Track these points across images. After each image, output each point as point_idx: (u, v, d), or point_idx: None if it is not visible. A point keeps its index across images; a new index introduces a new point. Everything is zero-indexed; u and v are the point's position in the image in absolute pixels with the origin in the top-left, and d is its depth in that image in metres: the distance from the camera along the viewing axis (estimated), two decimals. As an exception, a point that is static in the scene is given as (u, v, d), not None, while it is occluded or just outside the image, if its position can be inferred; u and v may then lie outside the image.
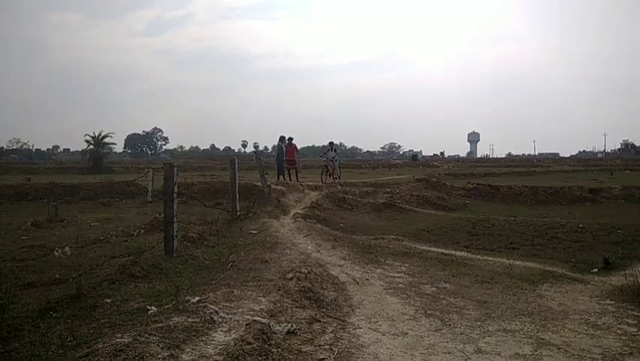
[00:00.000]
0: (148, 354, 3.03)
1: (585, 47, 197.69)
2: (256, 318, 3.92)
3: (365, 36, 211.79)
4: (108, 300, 4.84)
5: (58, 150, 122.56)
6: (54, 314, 4.43)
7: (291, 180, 19.73)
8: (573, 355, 3.82)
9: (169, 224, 7.04)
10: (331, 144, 23.25)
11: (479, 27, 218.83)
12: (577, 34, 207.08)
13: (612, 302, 5.40)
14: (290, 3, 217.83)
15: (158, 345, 3.18)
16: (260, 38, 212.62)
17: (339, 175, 22.12)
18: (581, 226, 13.42)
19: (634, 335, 4.28)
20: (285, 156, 20.66)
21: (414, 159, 77.57)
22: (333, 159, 22.09)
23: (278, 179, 19.28)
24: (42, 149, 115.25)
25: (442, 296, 5.49)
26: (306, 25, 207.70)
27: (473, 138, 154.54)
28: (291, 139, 21.10)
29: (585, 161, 70.08)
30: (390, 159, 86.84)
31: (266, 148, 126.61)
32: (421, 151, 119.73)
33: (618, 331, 4.41)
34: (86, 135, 46.81)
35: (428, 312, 4.85)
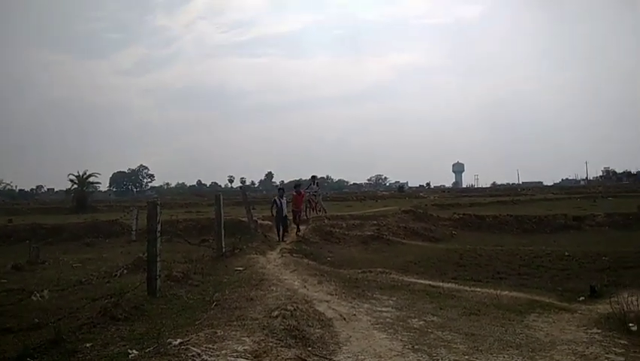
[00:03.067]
0: (127, 401, 2.94)
1: (567, 75, 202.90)
2: (239, 360, 3.83)
3: (350, 70, 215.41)
4: (88, 345, 4.71)
5: (42, 190, 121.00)
6: (31, 361, 4.30)
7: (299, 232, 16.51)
8: (562, 387, 3.78)
9: (152, 263, 6.94)
10: (314, 177, 22.77)
11: (463, 58, 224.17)
12: (560, 64, 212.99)
13: (599, 331, 5.40)
14: (276, 41, 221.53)
15: (137, 391, 3.09)
16: (246, 75, 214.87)
17: (322, 208, 21.76)
18: (566, 253, 13.52)
19: (621, 365, 4.26)
20: (287, 208, 16.35)
21: (400, 190, 77.94)
22: (315, 193, 21.62)
23: (279, 238, 15.31)
24: (25, 189, 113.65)
25: (429, 330, 5.43)
26: (292, 61, 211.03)
27: (458, 169, 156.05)
28: (298, 186, 18.27)
29: (568, 189, 71.00)
30: (377, 191, 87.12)
31: (252, 183, 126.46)
32: (407, 182, 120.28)
33: (606, 360, 4.38)
34: (69, 175, 46.41)
35: (416, 347, 4.79)
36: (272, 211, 16.22)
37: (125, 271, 9.86)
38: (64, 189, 54.74)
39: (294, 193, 17.36)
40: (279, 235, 15.53)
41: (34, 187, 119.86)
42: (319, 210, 21.33)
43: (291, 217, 17.12)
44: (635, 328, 5.24)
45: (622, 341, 4.94)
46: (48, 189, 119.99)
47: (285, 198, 16.04)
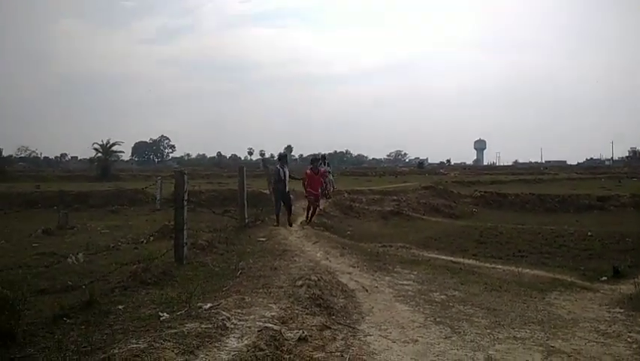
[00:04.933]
0: (163, 359, 3.08)
1: (594, 54, 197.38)
2: (268, 325, 3.96)
3: (372, 44, 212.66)
4: (120, 306, 4.90)
5: (66, 158, 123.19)
6: (68, 321, 4.49)
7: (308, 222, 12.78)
8: (584, 363, 3.83)
9: (179, 232, 7.11)
10: (324, 157, 19.98)
11: (487, 34, 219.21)
12: (587, 42, 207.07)
13: (622, 310, 5.40)
14: (297, 11, 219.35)
15: (172, 351, 3.23)
16: (266, 46, 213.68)
17: (333, 188, 19.79)
18: (589, 234, 13.39)
19: (644, 343, 4.28)
20: (306, 184, 13.07)
21: (420, 166, 77.45)
22: (325, 174, 18.26)
23: (277, 222, 12.10)
24: (50, 157, 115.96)
25: (451, 304, 5.50)
26: (313, 33, 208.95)
27: (480, 146, 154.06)
28: (316, 160, 14.05)
29: (593, 169, 69.68)
30: (397, 167, 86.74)
31: (272, 155, 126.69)
32: (427, 159, 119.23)
33: (628, 339, 4.41)
34: (94, 144, 47.15)
35: (438, 320, 4.87)
36: (269, 184, 13.39)
37: (152, 238, 10.11)
38: (88, 157, 55.79)
39: (309, 171, 13.17)
40: (277, 217, 12.23)
41: (59, 155, 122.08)
42: (329, 193, 18.50)
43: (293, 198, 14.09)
44: (658, 308, 5.23)
45: (645, 321, 4.94)
46: (72, 157, 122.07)
47: (287, 168, 12.67)
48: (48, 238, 11.28)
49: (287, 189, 12.48)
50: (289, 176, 12.68)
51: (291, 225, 11.97)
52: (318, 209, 13.60)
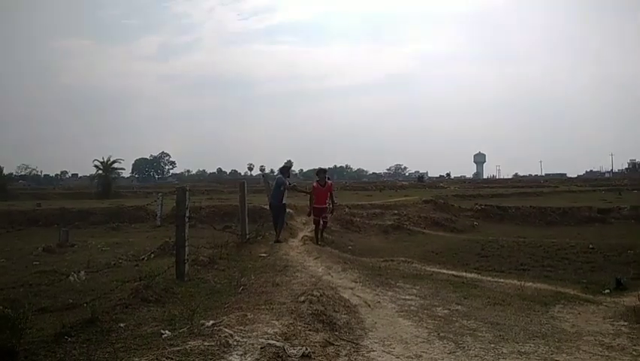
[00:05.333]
0: (166, 378, 3.06)
1: (594, 67, 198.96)
2: (270, 341, 3.94)
3: (371, 58, 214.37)
4: (122, 324, 4.87)
5: (67, 176, 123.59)
6: (69, 339, 4.46)
7: (319, 244, 11.88)
8: (589, 377, 3.80)
9: (180, 248, 7.10)
10: (324, 171, 19.08)
11: (485, 46, 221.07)
12: (586, 55, 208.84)
13: (626, 323, 5.37)
14: (295, 27, 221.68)
15: (175, 369, 3.21)
16: (265, 63, 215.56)
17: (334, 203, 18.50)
18: (591, 246, 13.34)
19: (650, 357, 4.26)
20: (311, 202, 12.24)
21: (420, 180, 77.57)
22: None
23: (278, 238, 11.63)
24: (50, 174, 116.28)
25: (454, 318, 5.48)
26: (311, 48, 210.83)
27: (479, 159, 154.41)
28: (322, 172, 12.67)
29: (593, 181, 69.73)
30: (397, 181, 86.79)
31: (272, 171, 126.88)
32: (427, 172, 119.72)
33: (633, 352, 4.39)
34: (94, 161, 47.34)
35: (441, 334, 4.84)
36: (269, 195, 12.48)
37: (153, 255, 10.09)
38: (89, 174, 55.95)
39: (315, 184, 12.37)
40: (277, 232, 11.79)
41: (59, 173, 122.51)
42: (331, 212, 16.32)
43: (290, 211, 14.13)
44: (662, 321, 5.20)
45: (649, 334, 4.92)
46: (72, 174, 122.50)
47: (288, 180, 12.38)
48: (49, 256, 11.26)
49: (284, 202, 12.11)
50: (290, 188, 12.41)
51: (279, 241, 11.40)
52: (326, 224, 12.58)
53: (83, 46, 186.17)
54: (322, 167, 12.57)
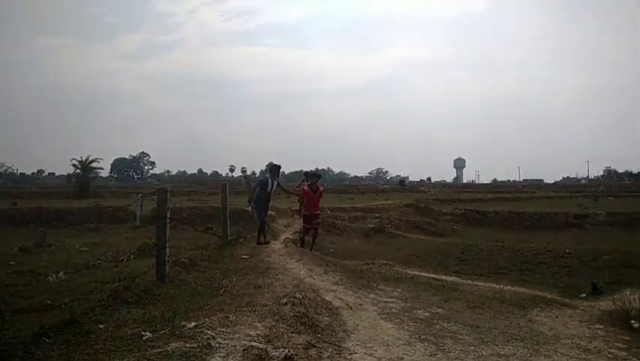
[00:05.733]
0: (148, 380, 3.04)
1: (571, 77, 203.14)
2: (253, 343, 3.93)
3: (353, 62, 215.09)
4: (102, 326, 4.80)
5: (43, 175, 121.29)
6: (48, 340, 4.38)
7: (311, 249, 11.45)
8: (566, 379, 3.87)
9: (161, 249, 7.03)
10: (307, 174, 17.70)
11: (466, 55, 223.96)
12: (564, 64, 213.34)
13: (602, 327, 5.49)
14: (279, 30, 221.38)
15: (157, 370, 3.18)
16: (248, 64, 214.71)
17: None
18: (568, 251, 13.63)
19: (624, 359, 4.36)
20: (302, 205, 12.41)
21: (401, 184, 78.02)
22: None
23: (258, 240, 11.31)
24: (27, 173, 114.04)
25: (435, 321, 5.53)
26: (294, 51, 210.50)
27: (459, 164, 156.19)
28: (314, 176, 12.18)
29: (569, 187, 71.06)
30: (378, 185, 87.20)
31: (253, 173, 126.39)
32: (408, 177, 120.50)
33: (609, 355, 4.48)
34: (72, 160, 46.47)
35: (422, 337, 4.88)
36: (252, 195, 11.60)
37: (132, 257, 9.97)
38: (66, 174, 54.96)
39: (306, 188, 11.87)
40: (260, 235, 11.41)
41: (36, 171, 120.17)
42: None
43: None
44: (637, 325, 5.33)
45: (624, 337, 5.03)
46: (49, 173, 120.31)
47: (276, 181, 11.58)
48: (25, 256, 11.04)
49: (269, 204, 11.65)
50: (278, 189, 11.88)
51: (260, 243, 11.04)
52: (317, 231, 11.90)
53: (63, 44, 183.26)
54: (315, 171, 12.09)
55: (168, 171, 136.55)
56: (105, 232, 17.47)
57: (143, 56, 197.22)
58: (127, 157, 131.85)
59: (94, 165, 47.72)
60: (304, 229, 11.91)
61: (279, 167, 12.01)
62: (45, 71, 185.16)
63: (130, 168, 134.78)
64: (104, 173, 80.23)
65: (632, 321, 5.41)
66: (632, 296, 5.99)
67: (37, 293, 6.57)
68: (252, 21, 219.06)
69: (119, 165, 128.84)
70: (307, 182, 14.83)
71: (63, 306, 5.37)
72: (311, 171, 12.27)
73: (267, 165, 11.96)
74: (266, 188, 11.31)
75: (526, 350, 4.57)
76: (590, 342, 4.88)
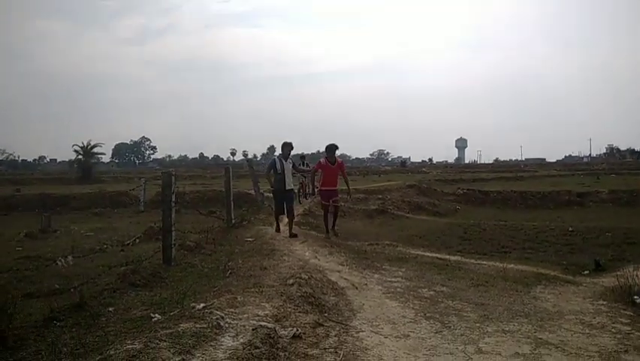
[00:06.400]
0: (160, 359, 3.09)
1: (572, 55, 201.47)
2: (262, 323, 3.99)
3: (353, 43, 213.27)
4: (111, 308, 4.88)
5: (45, 161, 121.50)
6: (58, 323, 4.46)
7: (329, 234, 10.55)
8: (571, 353, 3.93)
9: (167, 233, 7.08)
10: (303, 157, 19.11)
11: (469, 35, 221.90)
12: (565, 43, 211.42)
13: (605, 303, 5.54)
14: (277, 11, 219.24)
15: (169, 350, 3.24)
16: (247, 46, 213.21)
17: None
18: (570, 229, 13.68)
19: (628, 334, 4.41)
20: (318, 179, 10.91)
21: (403, 165, 77.99)
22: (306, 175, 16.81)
23: (277, 226, 10.49)
24: (28, 159, 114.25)
25: (440, 299, 5.59)
26: (294, 32, 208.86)
27: (461, 144, 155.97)
28: (332, 149, 10.31)
29: (571, 165, 70.94)
30: (380, 166, 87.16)
31: (255, 156, 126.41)
32: (409, 158, 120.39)
33: (613, 330, 4.54)
34: (74, 145, 46.53)
35: (428, 315, 4.95)
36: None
37: (138, 241, 10.03)
38: (67, 159, 55.06)
39: (323, 160, 10.33)
40: (277, 221, 10.50)
41: (37, 158, 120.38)
42: (311, 195, 16.79)
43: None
44: (640, 300, 5.38)
45: (627, 313, 5.09)
46: (51, 159, 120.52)
47: (290, 161, 10.14)
48: (31, 242, 11.13)
49: (287, 187, 9.93)
50: (294, 169, 10.40)
51: (293, 235, 9.65)
52: (337, 209, 10.62)
53: (62, 27, 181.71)
54: (333, 143, 10.24)
55: (170, 156, 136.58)
56: (109, 216, 17.55)
57: (141, 40, 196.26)
58: (128, 142, 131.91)
59: (95, 150, 47.83)
60: (324, 208, 10.49)
61: (289, 144, 10.18)
62: (43, 56, 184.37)
63: (131, 153, 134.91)
64: (106, 158, 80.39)
65: (635, 297, 5.46)
66: (634, 272, 6.02)
67: (46, 278, 6.64)
68: (250, 2, 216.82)
69: (120, 150, 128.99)
70: (302, 164, 15.03)
71: (72, 290, 5.43)
72: (331, 143, 10.26)
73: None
74: (276, 171, 9.90)
75: (530, 326, 4.63)
76: (594, 318, 4.94)
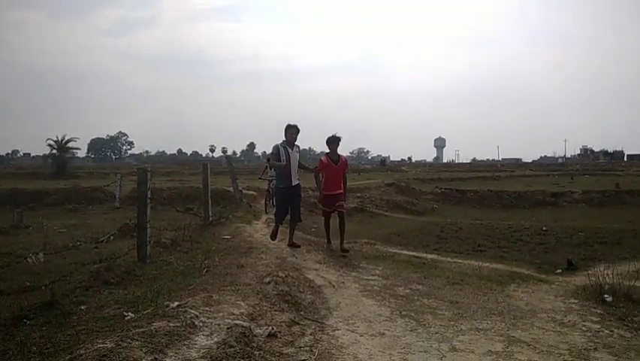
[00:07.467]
0: (132, 359, 3.03)
1: (550, 55, 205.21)
2: (237, 322, 3.95)
3: (335, 41, 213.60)
4: (83, 307, 4.79)
5: (18, 155, 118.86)
6: (28, 322, 4.37)
7: (331, 244, 8.73)
8: (542, 351, 3.99)
9: (142, 230, 6.98)
10: (338, 139, 16.93)
11: (446, 33, 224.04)
12: (544, 43, 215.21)
13: (576, 301, 5.66)
14: (259, 5, 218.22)
15: (141, 350, 3.18)
16: (228, 41, 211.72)
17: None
18: (544, 228, 13.95)
19: (598, 332, 4.51)
20: (321, 180, 8.50)
21: (382, 164, 78.43)
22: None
23: (275, 232, 8.43)
24: (1, 153, 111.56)
25: (415, 298, 5.63)
26: (275, 28, 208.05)
27: (439, 144, 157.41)
28: (335, 141, 8.57)
29: (547, 166, 72.27)
30: (359, 164, 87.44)
31: (234, 153, 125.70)
32: (389, 156, 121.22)
33: (583, 328, 4.63)
34: (48, 140, 45.56)
35: (403, 313, 4.97)
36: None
37: (112, 238, 9.88)
38: (41, 154, 53.90)
39: (324, 159, 8.49)
40: (277, 226, 8.41)
41: (10, 152, 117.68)
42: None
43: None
44: (610, 299, 5.50)
45: (598, 311, 5.20)
46: (24, 153, 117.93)
47: (297, 149, 8.19)
48: (2, 238, 10.87)
49: (293, 183, 8.09)
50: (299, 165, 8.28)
51: (293, 245, 8.16)
52: (343, 215, 8.39)
53: (36, 18, 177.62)
54: (334, 134, 8.58)
55: (147, 152, 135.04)
56: (84, 212, 17.25)
57: (119, 32, 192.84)
58: (104, 137, 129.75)
59: (70, 144, 46.90)
60: (325, 215, 8.79)
61: (294, 126, 8.10)
62: (17, 48, 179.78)
63: (107, 148, 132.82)
64: (81, 153, 78.89)
65: (605, 295, 5.59)
66: (605, 271, 6.16)
67: (16, 275, 6.50)
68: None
69: (96, 145, 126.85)
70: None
71: (43, 288, 5.32)
72: (333, 135, 8.55)
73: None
74: (283, 160, 7.95)
75: (503, 324, 4.70)
76: (565, 316, 5.03)
